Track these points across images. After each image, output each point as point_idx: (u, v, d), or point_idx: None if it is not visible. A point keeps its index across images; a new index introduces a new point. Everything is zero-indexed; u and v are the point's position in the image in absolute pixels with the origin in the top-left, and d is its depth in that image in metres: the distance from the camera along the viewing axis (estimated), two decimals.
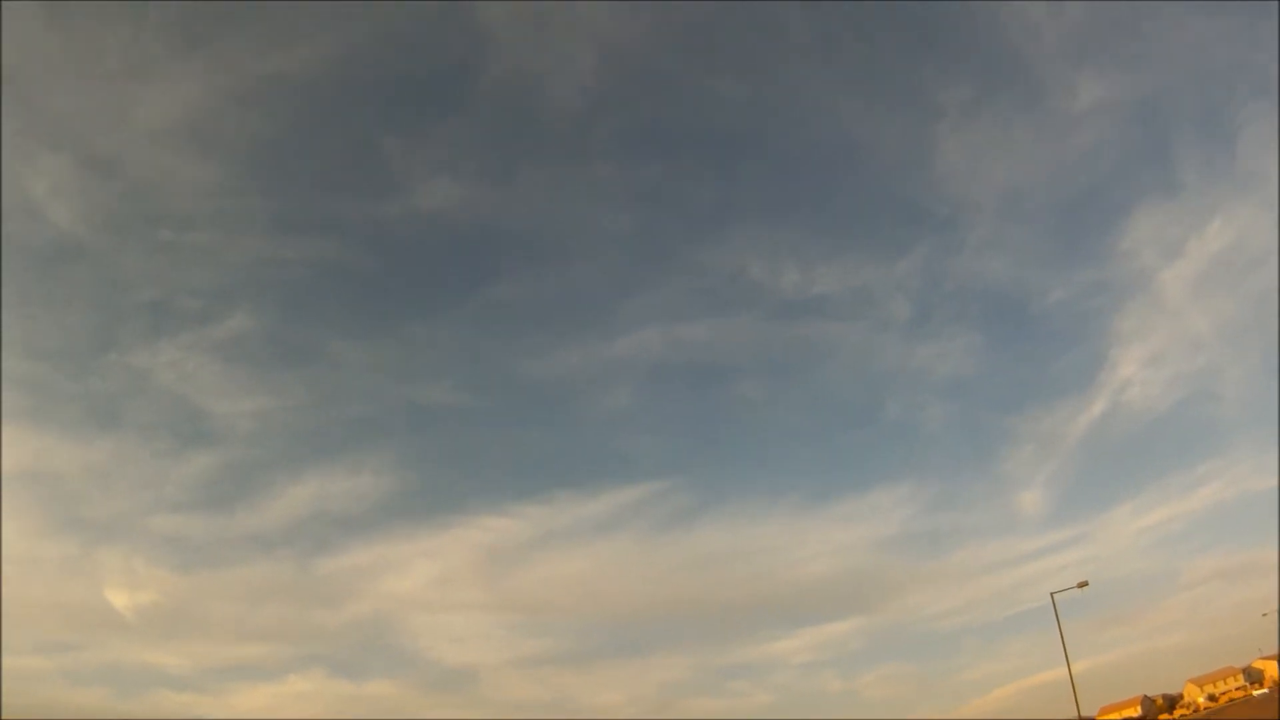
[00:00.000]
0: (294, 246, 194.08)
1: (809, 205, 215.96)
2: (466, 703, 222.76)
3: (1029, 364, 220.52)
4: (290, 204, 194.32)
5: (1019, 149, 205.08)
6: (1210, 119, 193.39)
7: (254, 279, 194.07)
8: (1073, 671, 60.21)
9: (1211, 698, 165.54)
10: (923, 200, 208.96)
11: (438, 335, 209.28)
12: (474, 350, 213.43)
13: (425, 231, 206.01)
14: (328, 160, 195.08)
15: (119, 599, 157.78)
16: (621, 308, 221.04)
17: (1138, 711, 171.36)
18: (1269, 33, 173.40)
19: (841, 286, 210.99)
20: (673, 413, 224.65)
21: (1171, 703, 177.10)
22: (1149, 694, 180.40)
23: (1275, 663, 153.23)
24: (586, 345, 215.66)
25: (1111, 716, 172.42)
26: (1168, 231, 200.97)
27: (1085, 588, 56.38)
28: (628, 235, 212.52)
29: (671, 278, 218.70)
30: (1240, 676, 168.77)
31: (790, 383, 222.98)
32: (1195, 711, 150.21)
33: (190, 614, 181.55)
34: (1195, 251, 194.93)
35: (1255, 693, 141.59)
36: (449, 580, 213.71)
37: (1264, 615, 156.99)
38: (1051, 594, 55.37)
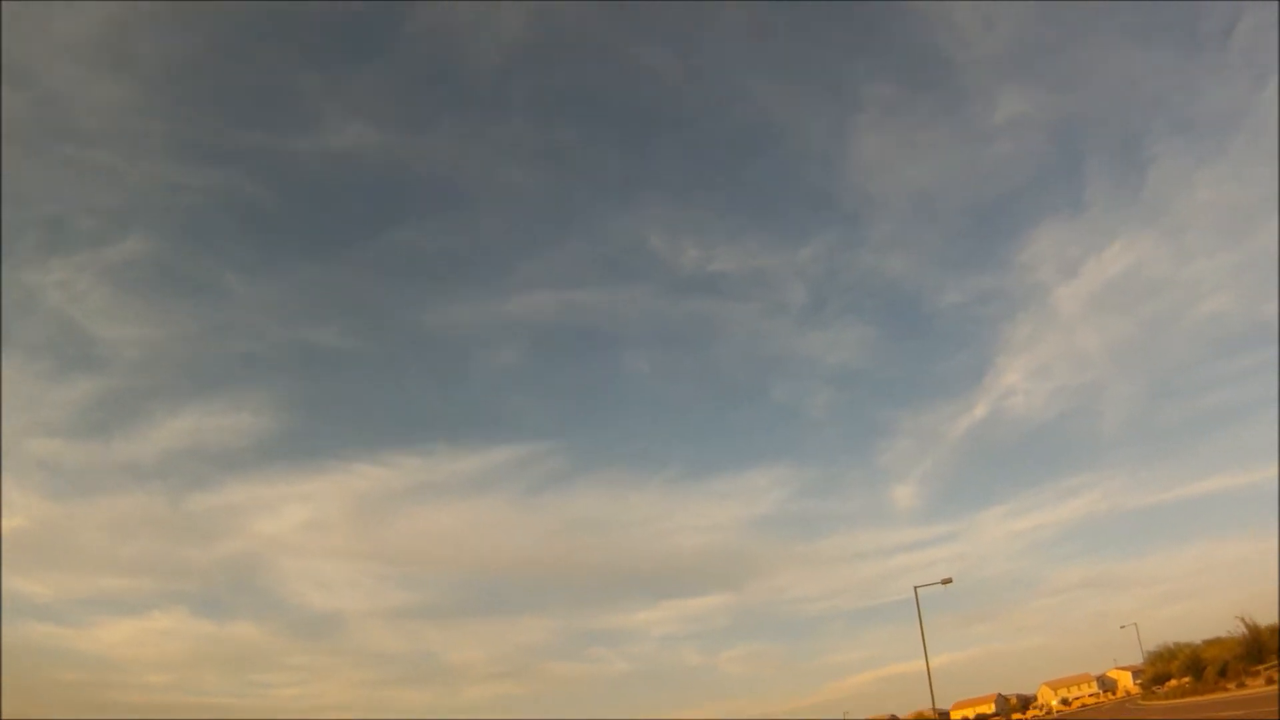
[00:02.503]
0: (197, 174, 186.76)
1: (717, 183, 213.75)
2: (329, 649, 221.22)
3: (916, 362, 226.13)
4: (198, 130, 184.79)
5: (933, 152, 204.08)
6: (1125, 148, 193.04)
7: (153, 203, 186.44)
8: (931, 665, 60.69)
9: (1065, 701, 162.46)
10: (832, 191, 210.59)
11: (333, 277, 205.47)
12: (367, 295, 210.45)
13: (332, 172, 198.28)
14: (241, 90, 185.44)
15: None
16: (519, 266, 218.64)
17: (992, 709, 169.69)
18: (1194, 72, 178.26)
19: (740, 267, 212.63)
20: (559, 376, 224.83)
21: (1025, 703, 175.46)
22: (1004, 692, 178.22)
23: (1129, 673, 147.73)
24: (481, 300, 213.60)
25: (966, 711, 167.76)
26: (1068, 250, 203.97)
27: (949, 584, 55.42)
28: (534, 194, 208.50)
29: (572, 241, 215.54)
30: (1094, 683, 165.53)
31: (679, 357, 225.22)
32: (1048, 713, 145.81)
33: (58, 543, 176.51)
34: (1092, 272, 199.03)
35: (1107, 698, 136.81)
36: (320, 525, 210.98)
37: (1122, 627, 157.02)
38: (915, 587, 54.15)
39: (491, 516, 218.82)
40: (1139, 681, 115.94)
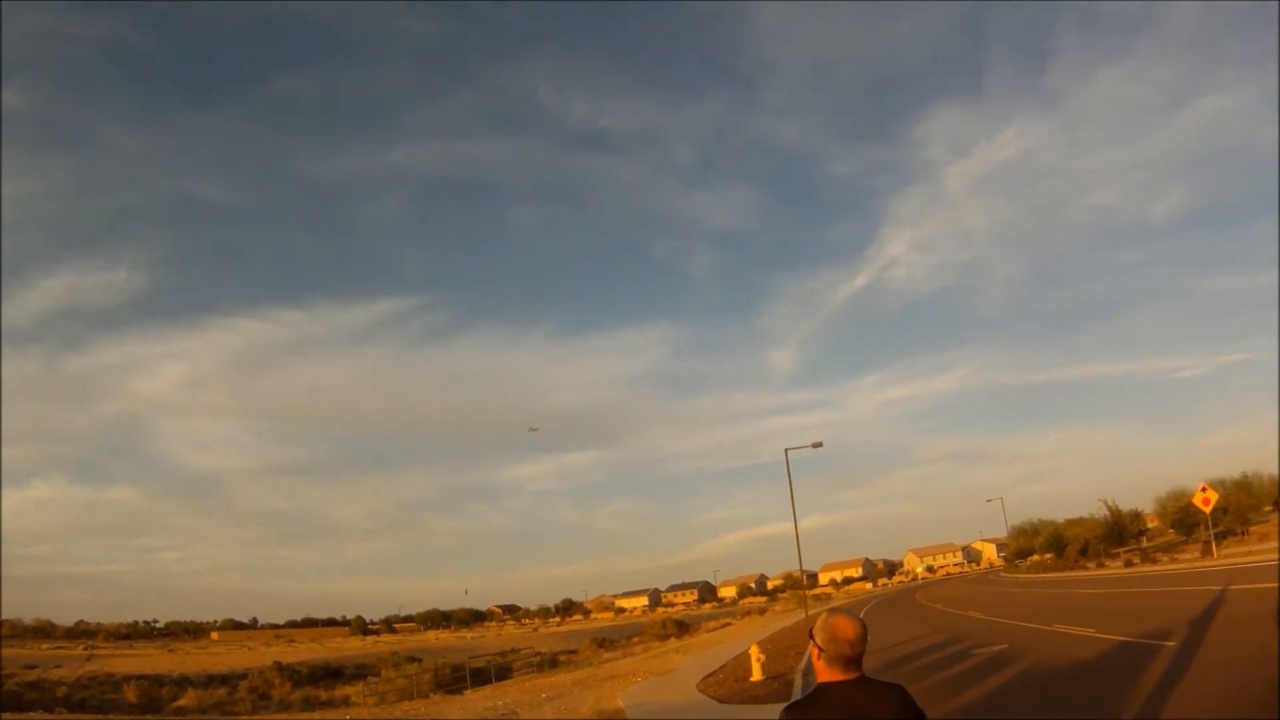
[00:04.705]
0: (79, 22, 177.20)
1: (610, 37, 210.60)
2: (208, 510, 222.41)
3: (801, 228, 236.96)
4: None
5: (835, 22, 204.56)
6: (1028, 36, 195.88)
7: (32, 54, 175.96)
8: (800, 528, 58.85)
9: (930, 569, 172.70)
10: (727, 53, 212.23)
11: (216, 126, 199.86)
12: (251, 145, 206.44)
13: (216, 18, 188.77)
14: None
15: None
16: (406, 116, 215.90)
17: (859, 572, 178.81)
18: None
19: (629, 124, 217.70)
20: (442, 229, 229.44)
21: (892, 568, 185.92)
22: (871, 557, 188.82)
23: (994, 546, 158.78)
24: (365, 151, 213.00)
25: (834, 574, 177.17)
26: (961, 130, 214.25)
27: (819, 448, 55.29)
28: (425, 42, 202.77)
29: (461, 92, 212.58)
30: (959, 554, 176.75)
31: (563, 212, 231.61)
32: (913, 579, 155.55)
33: None
34: (984, 154, 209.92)
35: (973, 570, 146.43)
36: (199, 383, 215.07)
37: (988, 501, 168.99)
38: (786, 450, 53.41)
39: (371, 371, 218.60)
40: (1003, 555, 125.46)
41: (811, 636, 3.24)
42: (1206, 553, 45.34)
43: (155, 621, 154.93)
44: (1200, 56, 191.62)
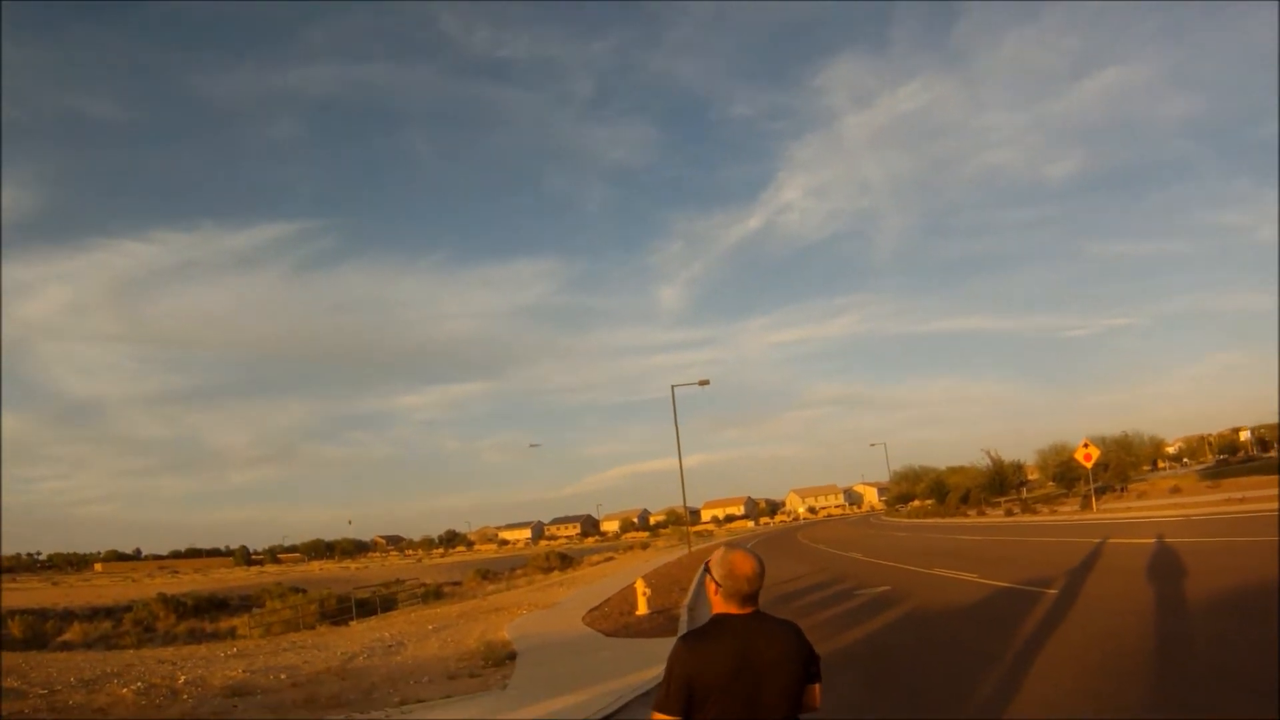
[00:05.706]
0: None
1: None
2: (91, 438, 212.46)
3: (696, 167, 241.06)
4: None
5: None
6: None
7: None
8: (684, 464, 57.42)
9: (812, 510, 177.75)
10: None
11: (107, 40, 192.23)
12: (142, 60, 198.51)
13: None
14: None
15: None
16: (302, 35, 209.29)
17: (741, 510, 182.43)
18: None
19: (530, 54, 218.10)
20: (335, 152, 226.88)
21: (774, 508, 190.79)
22: (754, 496, 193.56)
23: (875, 490, 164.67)
24: (258, 70, 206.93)
25: (716, 511, 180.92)
26: (864, 81, 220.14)
27: (706, 386, 57.83)
28: None
29: (359, 12, 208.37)
30: (841, 496, 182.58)
31: (458, 140, 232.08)
32: (795, 519, 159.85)
33: None
34: (885, 106, 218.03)
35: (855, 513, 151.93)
36: (82, 307, 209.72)
37: (871, 445, 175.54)
38: (672, 387, 55.89)
39: (257, 296, 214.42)
40: (884, 499, 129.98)
41: (708, 570, 3.29)
42: (1086, 506, 47.67)
43: (38, 554, 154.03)
44: (1106, 28, 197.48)
